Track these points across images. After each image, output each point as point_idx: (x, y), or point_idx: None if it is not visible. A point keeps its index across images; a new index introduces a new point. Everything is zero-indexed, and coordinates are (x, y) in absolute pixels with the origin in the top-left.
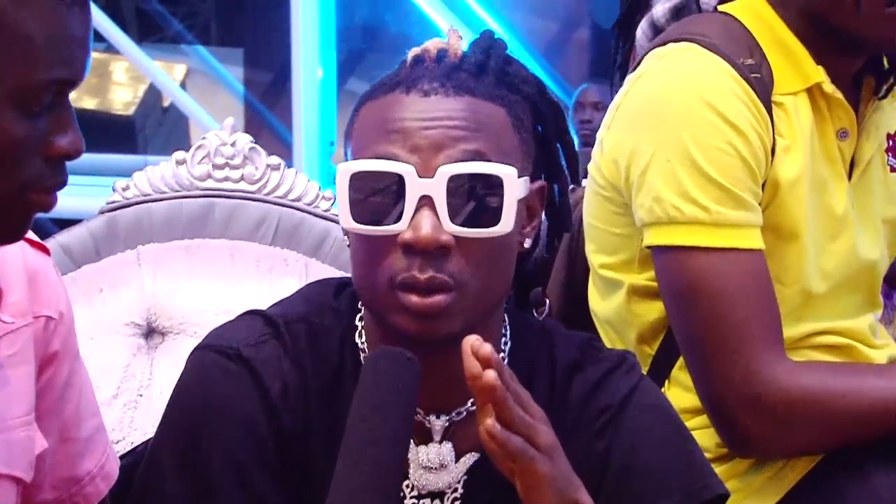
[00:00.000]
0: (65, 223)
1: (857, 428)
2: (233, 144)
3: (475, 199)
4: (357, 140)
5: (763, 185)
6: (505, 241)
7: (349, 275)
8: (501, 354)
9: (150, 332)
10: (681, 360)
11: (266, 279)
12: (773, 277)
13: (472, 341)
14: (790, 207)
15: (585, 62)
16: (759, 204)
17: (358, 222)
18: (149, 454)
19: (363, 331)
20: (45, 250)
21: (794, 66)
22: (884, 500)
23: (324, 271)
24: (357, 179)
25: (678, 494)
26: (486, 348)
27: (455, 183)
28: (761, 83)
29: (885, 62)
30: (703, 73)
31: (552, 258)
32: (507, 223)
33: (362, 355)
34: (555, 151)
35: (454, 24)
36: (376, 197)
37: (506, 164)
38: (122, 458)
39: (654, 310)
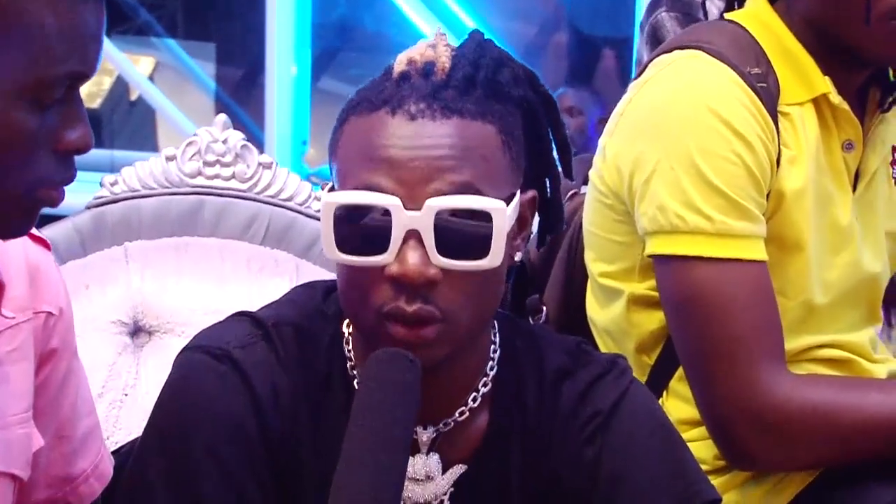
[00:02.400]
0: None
1: (859, 443)
2: (224, 142)
3: (463, 232)
4: (342, 163)
5: (767, 196)
6: (494, 270)
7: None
8: (490, 363)
9: (137, 331)
10: (679, 371)
11: (256, 280)
12: (775, 289)
13: None
14: (794, 219)
15: (563, 66)
16: (763, 215)
17: (343, 253)
18: (135, 455)
19: (350, 338)
20: (47, 245)
21: (801, 76)
22: None
23: (315, 272)
24: (342, 210)
25: (670, 500)
26: None
27: (443, 216)
28: (767, 93)
29: (892, 75)
30: (710, 81)
31: (549, 263)
32: (495, 257)
33: (349, 364)
34: (546, 145)
35: (433, 25)
36: (362, 228)
37: (495, 190)
38: None
39: (653, 319)
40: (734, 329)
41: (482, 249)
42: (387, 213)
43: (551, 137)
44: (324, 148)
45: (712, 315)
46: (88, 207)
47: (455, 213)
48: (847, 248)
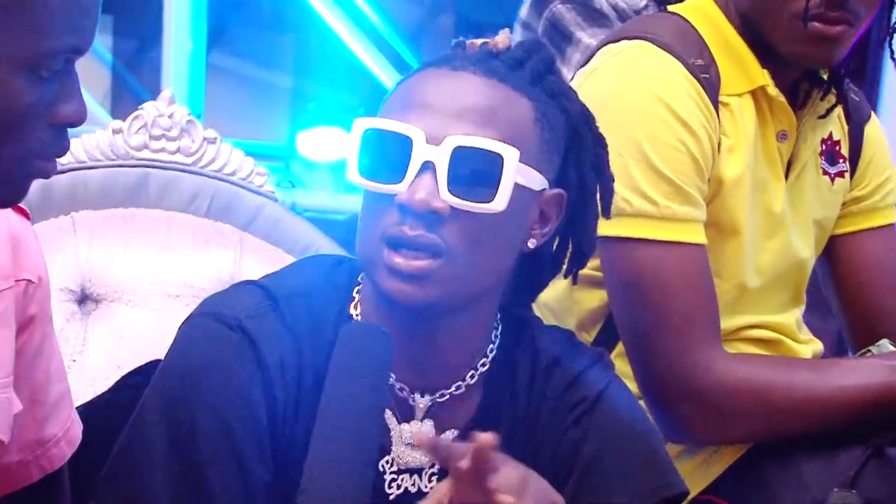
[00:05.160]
0: None
1: (789, 419)
2: (170, 116)
3: (475, 173)
4: (383, 108)
5: (708, 182)
6: (501, 224)
7: (285, 250)
8: (491, 346)
9: (84, 299)
10: (619, 348)
11: (202, 251)
12: (712, 271)
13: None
14: (732, 205)
15: (447, 47)
16: (704, 200)
17: (363, 177)
18: (137, 415)
19: (359, 303)
20: (27, 214)
21: (741, 68)
22: (811, 488)
23: (258, 245)
24: (370, 136)
25: (642, 488)
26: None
27: (459, 154)
28: (710, 83)
29: (825, 74)
30: (657, 71)
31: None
32: (501, 201)
33: None
34: (588, 181)
35: (325, 3)
36: (384, 156)
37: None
38: None
39: (595, 298)
40: (675, 308)
41: (490, 192)
42: (409, 144)
43: (595, 177)
44: (215, 122)
45: (654, 295)
46: None
47: (471, 154)
48: (779, 233)
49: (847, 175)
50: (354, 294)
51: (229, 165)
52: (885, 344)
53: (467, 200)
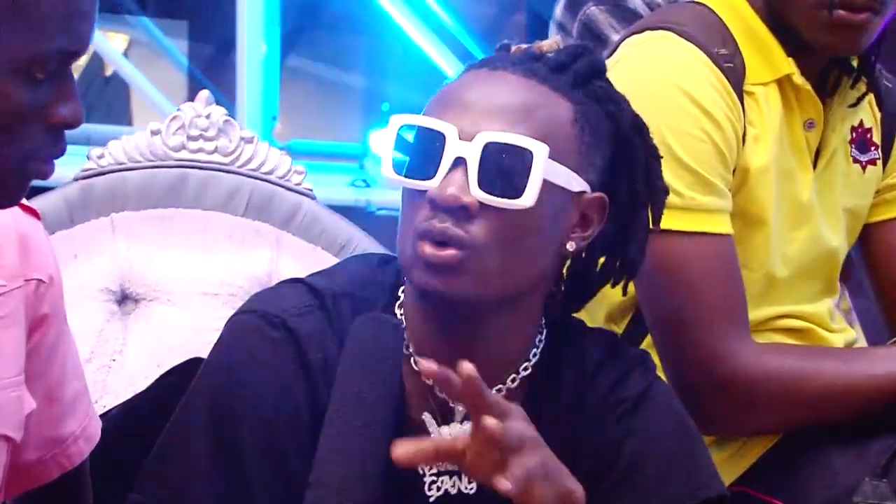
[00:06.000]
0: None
1: (819, 410)
2: (207, 117)
3: (506, 168)
4: (425, 109)
5: (733, 172)
6: (534, 221)
7: (323, 248)
8: (534, 350)
9: (124, 299)
10: (647, 340)
11: (238, 250)
12: (739, 262)
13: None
14: (758, 195)
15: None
16: (729, 190)
17: (396, 173)
18: (182, 405)
19: (404, 304)
20: (36, 215)
21: (766, 57)
22: (841, 478)
23: (295, 243)
24: (405, 133)
25: (680, 489)
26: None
27: (490, 151)
28: (734, 72)
29: (855, 62)
30: (680, 61)
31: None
32: (529, 197)
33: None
34: (639, 190)
35: (396, 5)
36: (418, 152)
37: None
38: None
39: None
40: (701, 299)
41: (519, 188)
42: (442, 141)
43: (647, 187)
44: (292, 123)
45: (681, 286)
46: (76, 179)
47: (502, 151)
48: (807, 223)
49: (879, 163)
50: (400, 293)
51: (266, 164)
52: None
53: (496, 196)
